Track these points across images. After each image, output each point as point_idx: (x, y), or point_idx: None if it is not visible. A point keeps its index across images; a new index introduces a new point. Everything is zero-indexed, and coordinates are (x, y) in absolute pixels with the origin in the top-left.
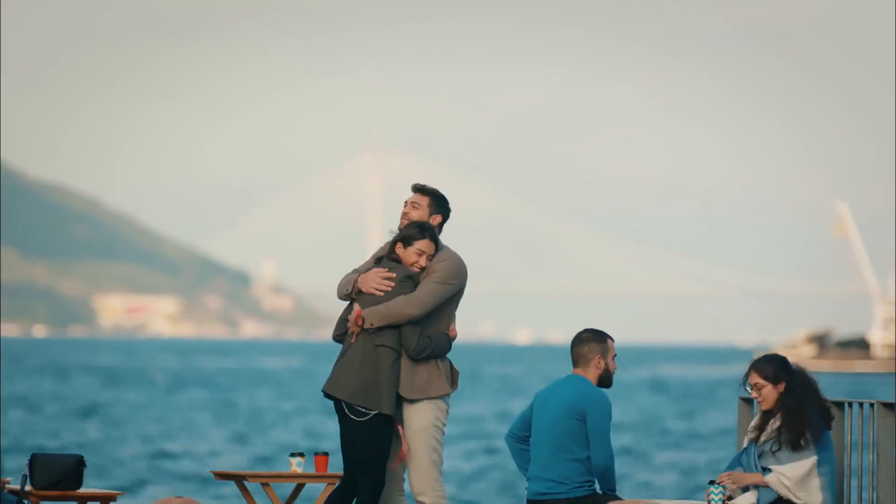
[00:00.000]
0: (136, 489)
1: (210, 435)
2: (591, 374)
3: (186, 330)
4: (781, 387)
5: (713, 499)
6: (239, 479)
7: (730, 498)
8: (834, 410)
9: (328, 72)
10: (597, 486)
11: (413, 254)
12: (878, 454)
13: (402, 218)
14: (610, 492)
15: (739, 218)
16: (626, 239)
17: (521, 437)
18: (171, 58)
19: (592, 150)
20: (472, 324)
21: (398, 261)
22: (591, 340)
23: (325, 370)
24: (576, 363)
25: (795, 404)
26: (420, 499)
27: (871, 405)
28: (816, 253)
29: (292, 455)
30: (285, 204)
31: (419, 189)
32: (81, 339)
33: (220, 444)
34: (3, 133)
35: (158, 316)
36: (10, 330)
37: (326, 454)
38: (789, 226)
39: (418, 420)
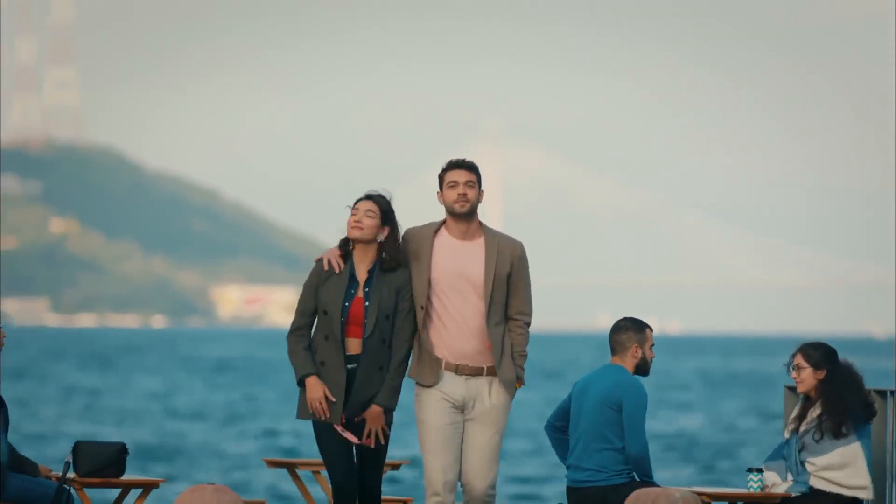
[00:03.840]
0: (182, 476)
1: (269, 421)
2: (628, 362)
3: None
4: (821, 374)
5: (752, 486)
6: (290, 466)
7: None
8: (876, 399)
9: (446, 62)
10: (634, 474)
11: None
12: None
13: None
14: (646, 478)
15: (868, 210)
16: (754, 231)
17: (558, 427)
18: (290, 49)
19: (716, 142)
20: (590, 315)
21: None
22: (629, 329)
23: None
24: (613, 352)
25: (837, 393)
26: (490, 491)
27: None
28: None
29: None
30: (403, 193)
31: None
32: (198, 329)
33: (277, 431)
34: (124, 126)
35: (276, 307)
36: (129, 321)
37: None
38: None
39: (504, 418)
